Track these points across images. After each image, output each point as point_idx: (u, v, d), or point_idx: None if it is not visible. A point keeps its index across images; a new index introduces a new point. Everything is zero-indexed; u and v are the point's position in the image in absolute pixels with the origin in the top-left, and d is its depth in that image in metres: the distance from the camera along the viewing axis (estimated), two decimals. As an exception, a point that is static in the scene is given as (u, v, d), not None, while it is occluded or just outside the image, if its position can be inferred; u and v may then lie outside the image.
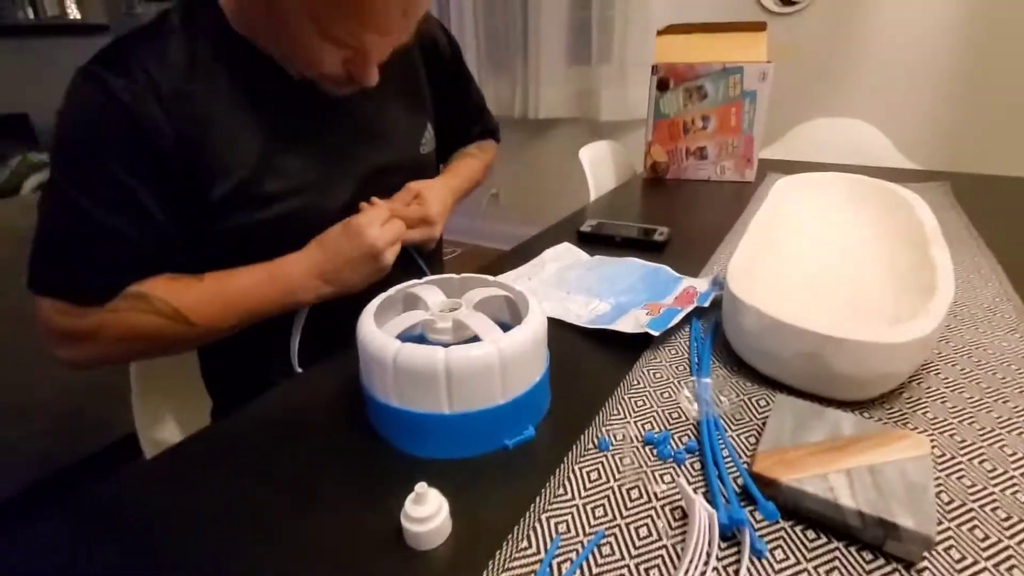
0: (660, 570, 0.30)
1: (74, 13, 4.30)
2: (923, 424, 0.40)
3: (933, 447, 0.38)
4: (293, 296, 0.59)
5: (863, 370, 0.40)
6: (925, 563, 0.30)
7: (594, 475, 0.37)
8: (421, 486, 0.32)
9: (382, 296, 0.46)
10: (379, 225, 0.59)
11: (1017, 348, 0.49)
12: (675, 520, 0.33)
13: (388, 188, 0.67)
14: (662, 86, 1.18)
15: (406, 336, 0.41)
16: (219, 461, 0.41)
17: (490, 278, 0.49)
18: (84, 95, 0.51)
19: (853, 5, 1.81)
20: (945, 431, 0.39)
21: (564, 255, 0.78)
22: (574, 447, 0.40)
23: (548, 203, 2.66)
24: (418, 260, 0.70)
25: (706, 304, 0.58)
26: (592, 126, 2.40)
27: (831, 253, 0.68)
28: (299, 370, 0.62)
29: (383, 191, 0.66)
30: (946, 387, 0.44)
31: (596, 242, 0.84)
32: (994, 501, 0.33)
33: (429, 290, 0.47)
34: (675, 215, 1.02)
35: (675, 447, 0.39)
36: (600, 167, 1.30)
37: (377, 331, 0.40)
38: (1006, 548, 0.30)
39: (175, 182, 0.53)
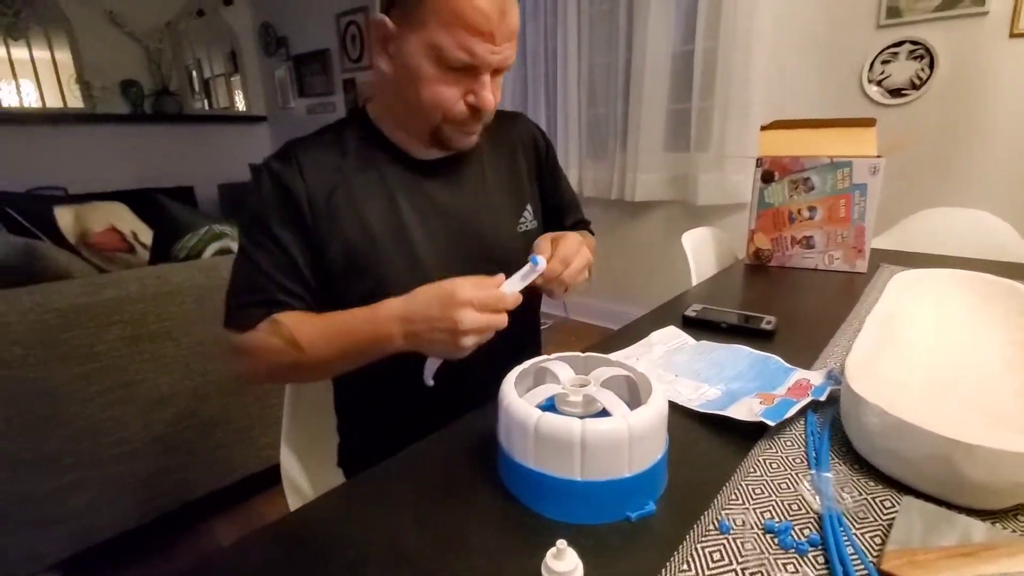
0: (788, 653, 0.32)
1: (240, 106, 5.15)
2: (1071, 544, 0.39)
3: (1084, 569, 0.36)
4: (378, 341, 0.60)
5: (995, 478, 0.40)
6: None
7: (716, 556, 0.39)
8: (562, 543, 0.37)
9: (519, 368, 0.53)
10: (476, 310, 0.54)
11: None
12: (800, 608, 0.35)
13: (486, 262, 0.74)
14: (767, 178, 1.22)
15: (540, 407, 0.47)
16: (381, 499, 0.48)
17: (612, 358, 0.55)
18: (257, 179, 0.69)
19: (965, 96, 1.77)
20: (1098, 554, 0.38)
21: (670, 338, 0.82)
22: (695, 527, 0.43)
23: (644, 283, 2.69)
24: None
25: (822, 398, 0.59)
26: (689, 209, 2.44)
27: (953, 353, 0.66)
28: (431, 383, 0.64)
29: (481, 264, 0.73)
30: (1098, 507, 0.42)
31: (702, 327, 0.86)
32: None
33: (560, 365, 0.53)
34: (780, 303, 1.03)
35: (797, 538, 0.41)
36: (701, 252, 1.33)
37: (520, 400, 0.46)
38: None
39: (314, 244, 0.68)
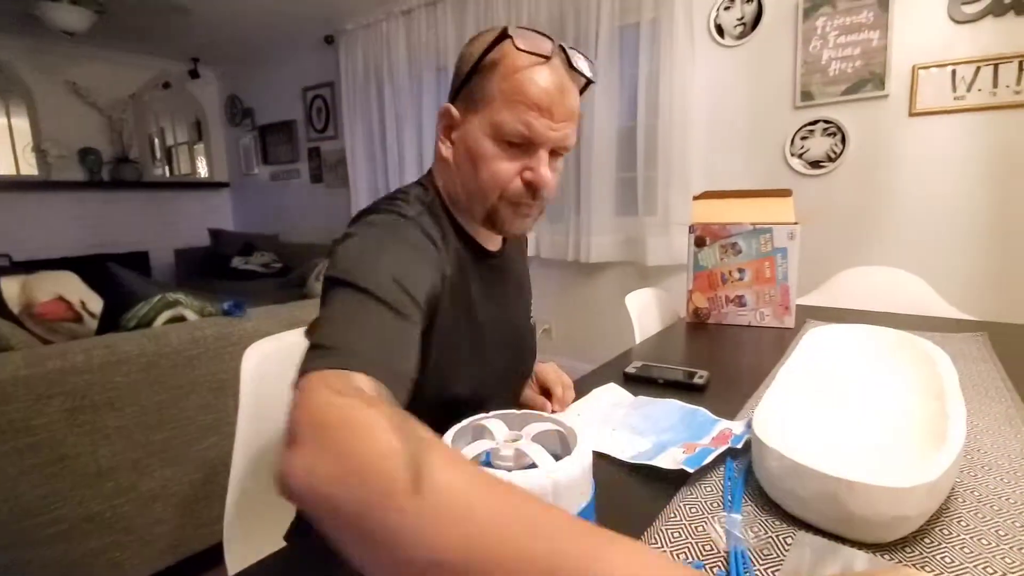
0: None
1: (203, 172, 5.18)
2: (940, 567, 0.44)
3: (947, 589, 0.41)
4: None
5: (876, 512, 0.45)
6: None
7: (633, 595, 0.42)
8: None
9: (457, 426, 0.56)
10: None
11: (1044, 502, 0.52)
12: (704, 640, 0.38)
13: (511, 353, 0.79)
14: (699, 243, 1.32)
15: (476, 462, 0.50)
16: (316, 566, 0.49)
17: (544, 414, 0.59)
18: (400, 226, 0.62)
19: (875, 167, 1.98)
20: (960, 575, 0.43)
21: (611, 395, 0.87)
22: (616, 569, 0.46)
23: (596, 339, 2.76)
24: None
25: (739, 445, 0.64)
26: (639, 269, 2.57)
27: (858, 401, 0.73)
28: None
29: (507, 355, 0.79)
30: (966, 533, 0.48)
31: (640, 383, 0.92)
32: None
33: (495, 423, 0.57)
34: (716, 358, 1.10)
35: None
36: (645, 312, 1.41)
37: (453, 456, 0.49)
38: None
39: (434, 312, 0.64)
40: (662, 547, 0.48)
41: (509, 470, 0.48)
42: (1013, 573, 0.42)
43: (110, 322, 1.40)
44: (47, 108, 4.00)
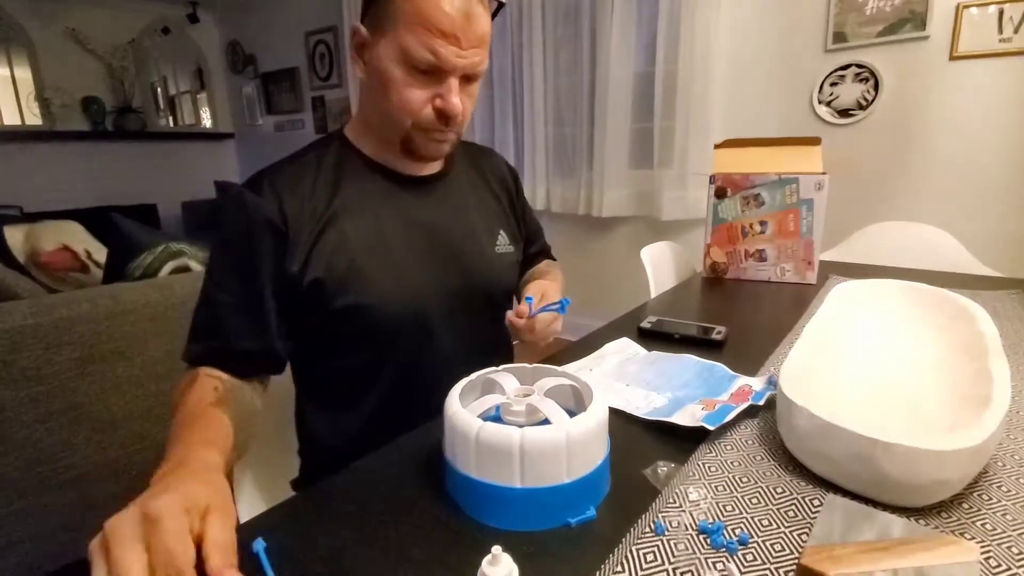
0: (711, 649, 0.33)
1: (207, 123, 5.09)
2: (980, 534, 0.41)
3: (988, 558, 0.39)
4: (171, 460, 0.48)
5: (914, 476, 0.42)
6: (978, 670, 0.31)
7: (650, 557, 0.40)
8: (496, 548, 0.37)
9: (465, 380, 0.53)
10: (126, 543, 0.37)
11: (1090, 466, 0.49)
12: (727, 605, 0.36)
13: (465, 277, 0.77)
14: (720, 194, 1.26)
15: (485, 417, 0.47)
16: (324, 515, 0.47)
17: (558, 368, 0.56)
18: (228, 208, 0.67)
19: (908, 115, 1.87)
20: (1003, 543, 0.40)
21: (623, 349, 0.84)
22: (632, 530, 0.43)
23: (609, 296, 2.73)
24: None
25: (761, 403, 0.61)
26: (653, 224, 2.50)
27: (888, 360, 0.69)
28: None
29: (460, 279, 0.76)
30: (1007, 499, 0.45)
31: (655, 338, 0.88)
32: (1054, 616, 0.34)
33: (506, 377, 0.54)
34: (734, 314, 1.06)
35: (728, 537, 0.42)
36: (661, 266, 1.36)
37: (463, 410, 0.47)
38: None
39: (294, 272, 0.66)
40: (681, 506, 0.46)
41: (520, 426, 0.45)
42: (1063, 542, 0.40)
43: (115, 272, 1.39)
44: (48, 56, 3.89)
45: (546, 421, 0.47)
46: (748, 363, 0.76)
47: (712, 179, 1.27)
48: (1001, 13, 1.64)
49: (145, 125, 4.47)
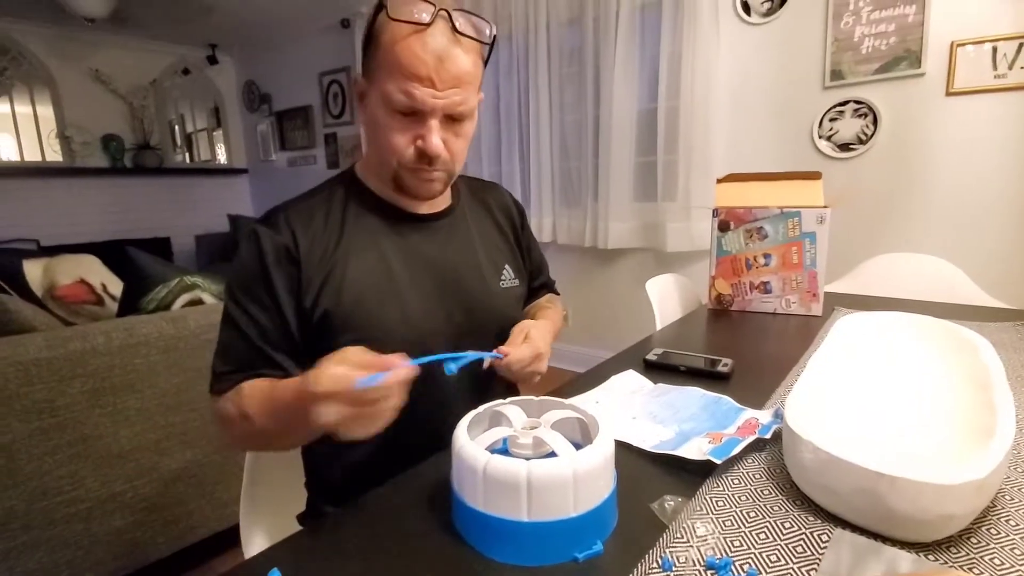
0: None
1: (222, 159, 5.22)
2: (988, 570, 0.41)
3: (1000, 594, 0.38)
4: (302, 413, 0.51)
5: (919, 510, 0.42)
6: None
7: (658, 592, 0.40)
8: (504, 583, 0.37)
9: (473, 412, 0.54)
10: (329, 403, 0.49)
11: (1101, 501, 0.48)
12: (735, 642, 0.36)
13: (470, 313, 0.78)
14: (723, 227, 1.28)
15: (492, 449, 0.48)
16: (332, 550, 0.48)
17: (565, 401, 0.56)
18: (244, 243, 0.70)
19: (908, 150, 1.90)
20: (1014, 579, 0.40)
21: (630, 382, 0.84)
22: (639, 565, 0.43)
23: (615, 326, 2.73)
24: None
25: (768, 436, 0.61)
26: (658, 256, 2.52)
27: (895, 392, 0.69)
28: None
29: (465, 315, 0.77)
30: (1016, 533, 0.44)
31: (662, 370, 0.89)
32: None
33: (512, 409, 0.55)
34: (740, 346, 1.06)
35: (736, 573, 0.42)
36: (666, 298, 1.37)
37: (470, 442, 0.47)
38: None
39: (306, 304, 0.69)
40: (689, 541, 0.46)
41: (527, 458, 0.45)
42: (1074, 578, 0.39)
43: (130, 305, 1.41)
44: (70, 95, 4.04)
45: (553, 454, 0.47)
46: (755, 395, 0.76)
47: (715, 212, 1.29)
48: (995, 50, 1.68)
49: (162, 161, 4.60)
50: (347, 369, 0.49)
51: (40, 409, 1.11)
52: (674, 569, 0.43)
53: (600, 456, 0.46)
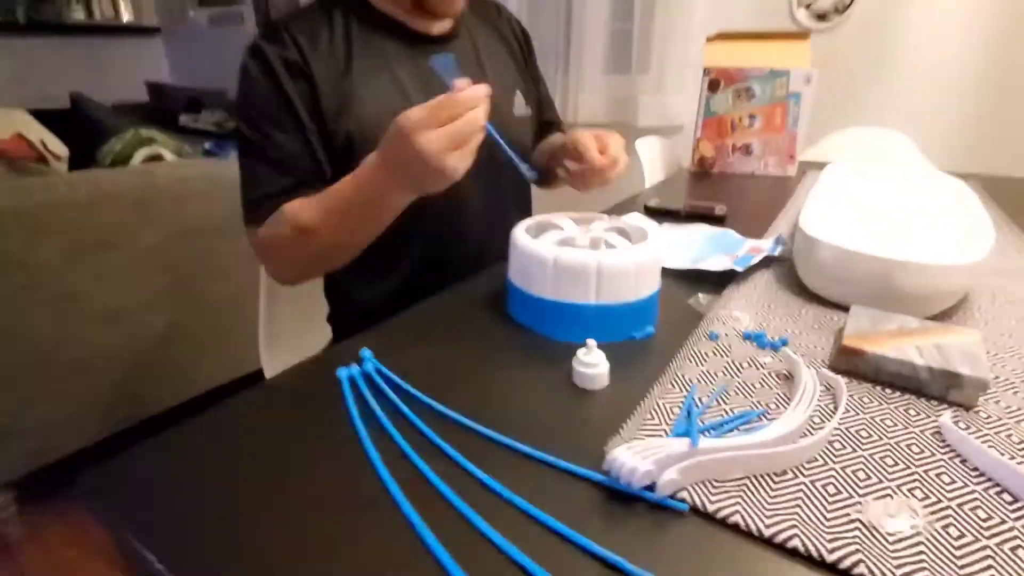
0: (776, 406, 0.40)
1: (126, 16, 4.53)
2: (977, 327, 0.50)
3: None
4: (376, 197, 0.57)
5: (924, 287, 0.51)
6: (981, 410, 0.40)
7: (710, 354, 0.47)
8: (591, 341, 0.43)
9: (525, 221, 0.57)
10: (432, 128, 0.49)
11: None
12: (778, 381, 0.43)
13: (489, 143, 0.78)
14: (713, 87, 1.29)
15: (553, 249, 0.51)
16: (396, 348, 0.51)
17: (606, 216, 0.60)
18: (249, 63, 0.66)
19: (883, 21, 1.91)
20: (991, 336, 0.49)
21: (636, 221, 0.89)
22: (691, 336, 0.50)
23: (589, 195, 2.77)
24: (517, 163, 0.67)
25: (776, 253, 0.68)
26: (628, 130, 2.50)
27: (889, 212, 0.77)
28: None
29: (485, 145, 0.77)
30: (989, 311, 0.54)
31: (663, 215, 0.94)
32: (1031, 375, 0.43)
33: (562, 219, 0.58)
34: (726, 199, 1.12)
35: (771, 339, 0.49)
36: (653, 160, 1.40)
37: (535, 241, 0.51)
38: (1041, 398, 0.40)
39: (324, 122, 0.66)
40: (725, 323, 0.53)
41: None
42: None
43: (83, 158, 1.30)
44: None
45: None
46: (750, 232, 0.83)
47: (706, 72, 1.29)
48: (980, -85, 1.66)
49: (60, 15, 3.94)
50: (423, 106, 0.49)
51: (15, 262, 1.05)
52: (719, 340, 0.50)
53: (654, 250, 0.51)
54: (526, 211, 0.93)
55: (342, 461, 0.36)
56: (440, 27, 0.77)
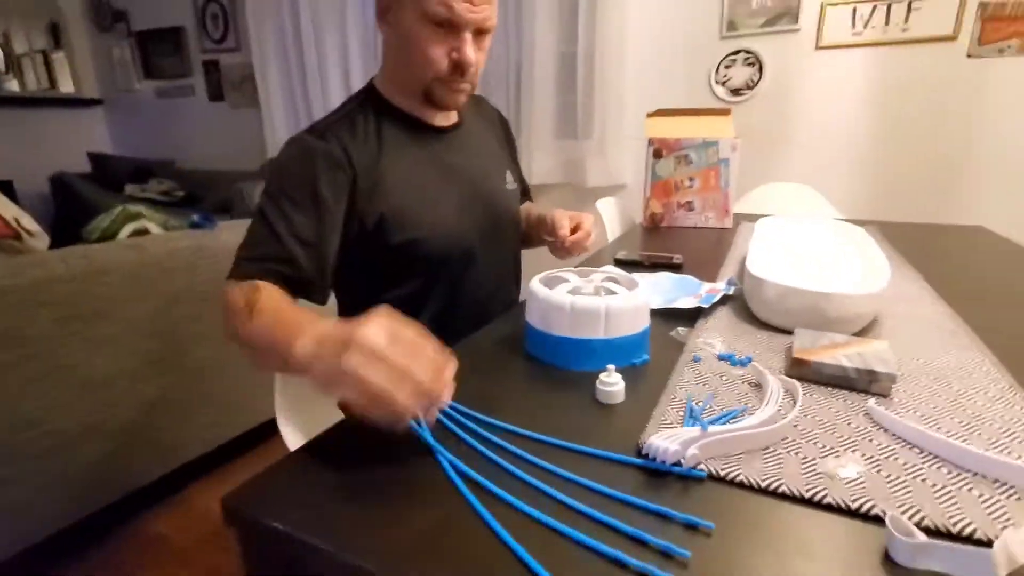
0: (752, 404, 0.53)
1: (65, 87, 4.48)
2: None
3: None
4: (286, 343, 0.51)
5: (845, 313, 0.67)
6: (894, 396, 0.54)
7: (697, 371, 0.60)
8: (611, 366, 0.55)
9: (538, 276, 0.70)
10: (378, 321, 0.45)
11: (940, 323, 0.77)
12: (750, 388, 0.57)
13: (492, 215, 0.91)
14: (657, 154, 1.50)
15: (566, 296, 0.64)
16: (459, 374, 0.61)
17: (601, 269, 0.74)
18: (289, 151, 0.76)
19: (786, 93, 2.26)
20: (895, 346, 0.65)
21: (612, 271, 1.03)
22: (680, 358, 0.63)
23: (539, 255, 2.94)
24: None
25: (731, 292, 0.84)
26: (578, 191, 2.74)
27: (810, 257, 0.95)
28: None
29: (489, 216, 0.91)
30: (893, 327, 0.71)
31: (630, 265, 1.10)
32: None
33: (567, 273, 0.71)
34: (677, 250, 1.30)
35: (738, 358, 0.63)
36: (611, 218, 1.59)
37: (553, 291, 0.63)
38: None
39: (354, 214, 0.77)
40: (702, 349, 0.66)
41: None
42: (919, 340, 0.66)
43: (68, 235, 1.33)
44: None
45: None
46: (704, 277, 1.00)
47: (650, 142, 1.50)
48: (854, 11, 2.05)
49: (-5, 88, 3.87)
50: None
51: (11, 337, 1.06)
52: (701, 361, 0.63)
53: (644, 295, 0.64)
54: (518, 271, 1.06)
55: (429, 471, 0.45)
56: (447, 119, 0.90)
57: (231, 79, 3.98)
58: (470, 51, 0.76)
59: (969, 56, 1.93)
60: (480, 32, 0.77)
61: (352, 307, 0.89)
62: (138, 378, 1.28)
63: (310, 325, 0.51)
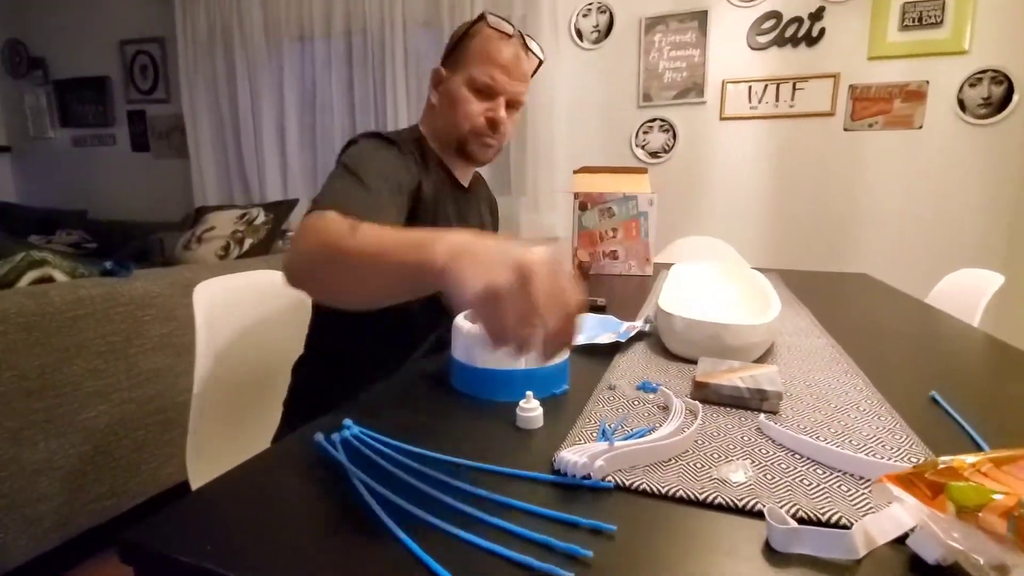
0: (658, 423, 0.57)
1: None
2: (779, 365, 0.73)
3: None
4: (422, 255, 0.47)
5: (742, 343, 0.73)
6: (782, 413, 0.60)
7: (612, 397, 0.64)
8: (529, 393, 0.57)
9: (463, 313, 0.72)
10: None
11: (824, 353, 0.86)
12: (658, 410, 0.61)
13: None
14: (583, 207, 1.60)
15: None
16: (387, 406, 0.62)
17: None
18: (368, 141, 0.84)
19: (696, 157, 2.49)
20: (784, 371, 0.72)
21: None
22: (596, 389, 0.67)
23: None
24: None
25: (646, 329, 0.90)
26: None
27: (706, 296, 1.04)
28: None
29: None
30: (783, 356, 0.79)
31: (556, 308, 1.15)
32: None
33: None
34: (603, 295, 1.38)
35: (650, 385, 0.67)
36: (538, 265, 1.65)
37: (475, 326, 0.66)
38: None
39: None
40: (618, 379, 0.71)
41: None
42: (806, 361, 0.73)
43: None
44: None
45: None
46: (625, 317, 1.06)
47: (576, 196, 1.60)
48: (750, 88, 2.33)
49: None
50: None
51: None
52: (616, 388, 0.67)
53: (562, 327, 0.68)
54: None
55: (343, 499, 0.45)
56: (465, 180, 1.01)
57: (157, 129, 3.89)
58: (503, 112, 0.91)
59: (845, 129, 2.23)
60: (511, 105, 0.92)
61: (327, 349, 0.94)
62: (22, 441, 1.16)
63: (443, 232, 0.49)
